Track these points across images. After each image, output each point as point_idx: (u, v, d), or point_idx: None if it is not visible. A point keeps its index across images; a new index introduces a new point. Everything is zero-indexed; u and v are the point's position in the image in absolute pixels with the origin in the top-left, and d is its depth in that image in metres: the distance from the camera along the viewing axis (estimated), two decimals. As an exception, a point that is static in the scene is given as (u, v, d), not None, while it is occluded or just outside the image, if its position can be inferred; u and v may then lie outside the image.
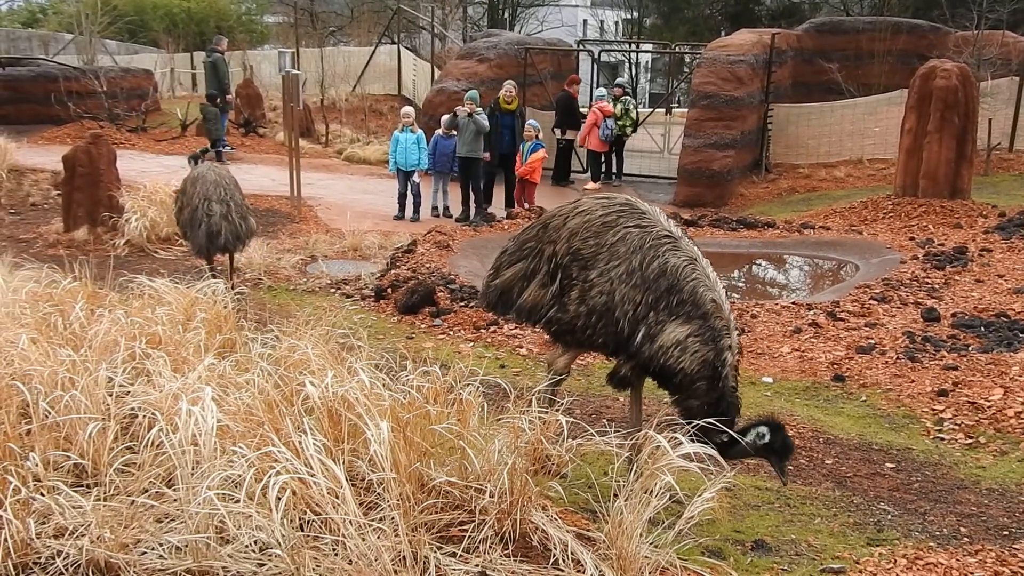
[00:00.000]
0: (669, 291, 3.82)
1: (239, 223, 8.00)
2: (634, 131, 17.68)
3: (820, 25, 20.89)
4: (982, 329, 7.34)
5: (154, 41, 30.55)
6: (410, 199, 13.50)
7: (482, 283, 4.58)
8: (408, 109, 14.38)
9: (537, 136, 13.85)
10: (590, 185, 16.72)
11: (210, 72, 17.52)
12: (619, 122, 16.99)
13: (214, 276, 7.66)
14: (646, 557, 3.14)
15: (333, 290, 9.22)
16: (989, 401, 5.71)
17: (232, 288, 7.37)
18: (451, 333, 7.57)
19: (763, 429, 3.80)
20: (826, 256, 11.05)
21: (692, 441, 3.93)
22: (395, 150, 13.47)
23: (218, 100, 17.42)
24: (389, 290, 8.61)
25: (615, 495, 3.30)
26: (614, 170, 17.80)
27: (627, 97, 17.54)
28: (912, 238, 10.97)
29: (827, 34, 20.25)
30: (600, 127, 16.39)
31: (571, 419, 3.64)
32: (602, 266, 3.92)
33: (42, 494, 3.19)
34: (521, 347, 7.15)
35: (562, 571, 3.07)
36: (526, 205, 13.46)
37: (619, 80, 18.36)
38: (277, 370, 3.81)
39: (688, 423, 3.88)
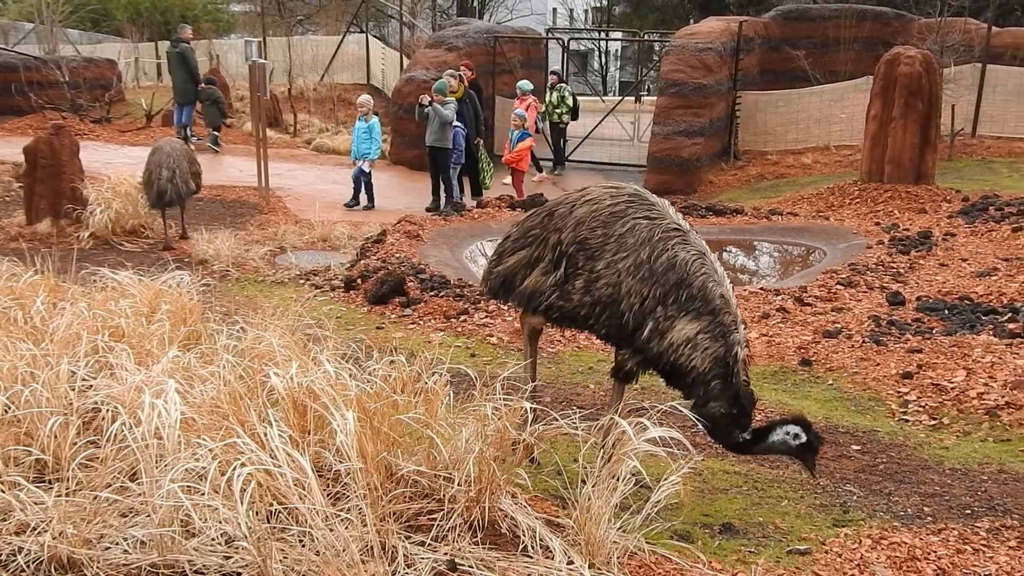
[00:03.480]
0: (678, 285, 3.78)
1: (180, 186, 10.29)
2: (574, 118, 17.32)
3: (787, 13, 21.02)
4: (946, 312, 7.45)
5: (118, 30, 30.07)
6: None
7: (484, 269, 4.54)
8: (364, 98, 14.41)
9: (523, 125, 13.85)
10: (536, 177, 16.52)
11: (178, 63, 17.24)
12: (556, 110, 16.72)
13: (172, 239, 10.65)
14: (614, 542, 3.15)
15: (302, 281, 9.15)
16: (952, 383, 5.80)
17: (173, 237, 10.70)
18: (421, 323, 7.54)
19: (795, 428, 3.81)
20: (794, 242, 11.15)
21: (714, 439, 4.01)
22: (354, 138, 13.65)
23: (212, 86, 17.38)
24: (359, 280, 8.56)
25: (583, 481, 3.31)
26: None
27: (562, 85, 17.28)
28: (878, 223, 11.09)
29: (794, 22, 20.39)
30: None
31: (540, 407, 3.63)
32: (609, 257, 3.86)
33: (2, 490, 3.14)
34: (492, 336, 7.14)
35: (531, 558, 3.07)
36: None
37: (554, 68, 17.86)
38: (242, 362, 3.78)
39: (711, 428, 3.91)
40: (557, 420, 3.53)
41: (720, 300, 3.82)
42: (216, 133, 17.58)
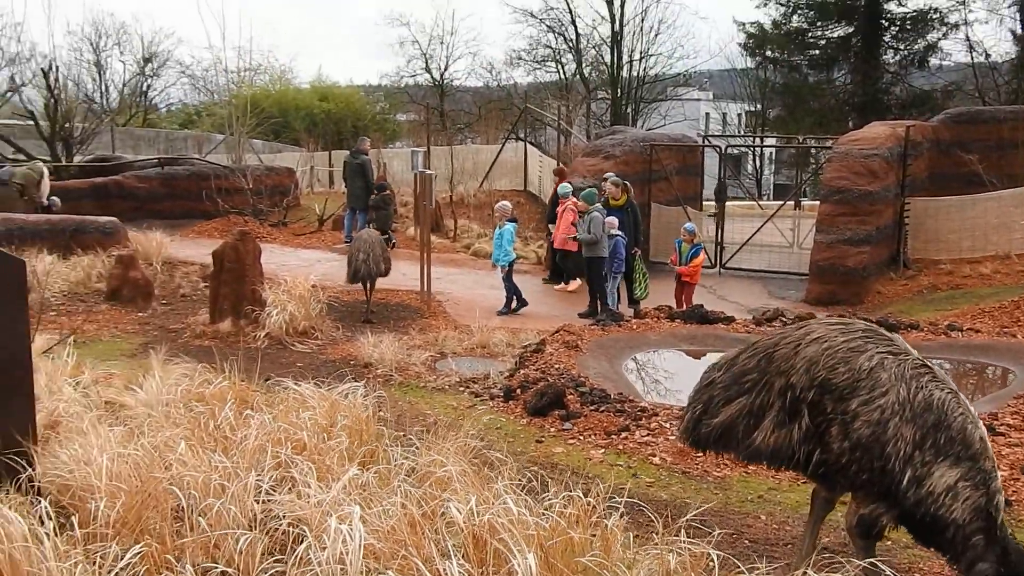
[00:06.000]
0: (936, 427, 3.52)
1: (373, 267, 12.65)
2: None
3: (957, 116, 20.27)
4: None
5: (296, 140, 32.42)
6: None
7: (685, 419, 4.16)
8: (499, 205, 14.97)
9: (693, 239, 13.71)
10: (572, 286, 15.88)
11: (357, 173, 18.32)
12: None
13: (367, 313, 12.84)
14: None
15: (462, 388, 9.28)
16: None
17: (368, 311, 12.88)
18: (581, 438, 7.45)
19: None
20: (978, 361, 10.42)
21: None
22: None
23: (385, 191, 18.44)
24: (518, 391, 8.60)
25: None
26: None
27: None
28: (1073, 342, 10.24)
29: (965, 124, 19.62)
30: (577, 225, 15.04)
31: (727, 555, 3.44)
32: (864, 395, 3.58)
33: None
34: (654, 456, 6.96)
35: None
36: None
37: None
38: (419, 486, 3.82)
39: None
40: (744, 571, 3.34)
41: (980, 444, 3.54)
42: (391, 233, 18.71)
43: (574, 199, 15.31)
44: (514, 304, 13.88)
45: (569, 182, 16.41)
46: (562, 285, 16.09)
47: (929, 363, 3.70)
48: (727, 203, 20.05)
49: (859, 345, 3.68)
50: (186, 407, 5.23)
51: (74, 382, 5.95)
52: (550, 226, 16.39)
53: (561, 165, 17.05)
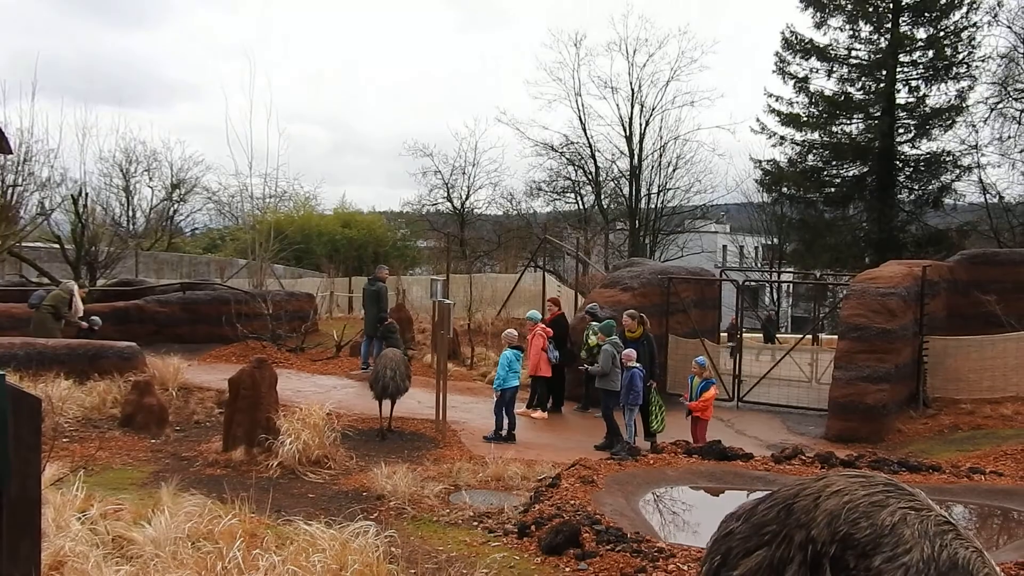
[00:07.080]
0: None
1: (399, 383, 13.25)
2: None
3: (973, 257, 20.47)
4: None
5: (317, 265, 32.99)
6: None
7: (703, 571, 3.99)
8: (505, 332, 15.38)
9: (703, 373, 13.64)
10: (536, 414, 16.03)
11: (373, 299, 18.53)
12: None
13: (385, 430, 13.34)
14: None
15: (475, 523, 9.08)
16: None
17: (386, 427, 13.43)
18: (597, 580, 7.24)
19: None
20: (1001, 506, 10.13)
21: None
22: None
23: (388, 321, 18.55)
24: (532, 527, 8.42)
25: None
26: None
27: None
28: (1102, 490, 9.97)
29: (981, 265, 19.80)
30: (548, 351, 15.70)
31: None
32: (888, 552, 3.49)
33: None
34: (671, 601, 6.74)
35: None
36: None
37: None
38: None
39: None
40: None
41: None
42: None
43: (542, 325, 15.97)
44: (503, 430, 13.72)
45: (588, 313, 16.75)
46: (526, 410, 16.04)
47: (952, 520, 3.61)
48: (750, 335, 20.10)
49: (880, 500, 3.60)
50: (194, 546, 5.14)
51: (82, 516, 5.89)
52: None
53: (556, 295, 17.47)
